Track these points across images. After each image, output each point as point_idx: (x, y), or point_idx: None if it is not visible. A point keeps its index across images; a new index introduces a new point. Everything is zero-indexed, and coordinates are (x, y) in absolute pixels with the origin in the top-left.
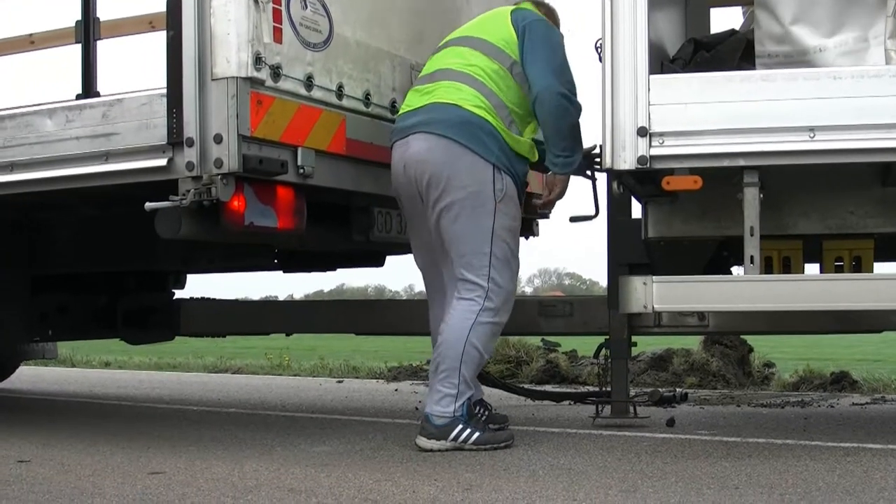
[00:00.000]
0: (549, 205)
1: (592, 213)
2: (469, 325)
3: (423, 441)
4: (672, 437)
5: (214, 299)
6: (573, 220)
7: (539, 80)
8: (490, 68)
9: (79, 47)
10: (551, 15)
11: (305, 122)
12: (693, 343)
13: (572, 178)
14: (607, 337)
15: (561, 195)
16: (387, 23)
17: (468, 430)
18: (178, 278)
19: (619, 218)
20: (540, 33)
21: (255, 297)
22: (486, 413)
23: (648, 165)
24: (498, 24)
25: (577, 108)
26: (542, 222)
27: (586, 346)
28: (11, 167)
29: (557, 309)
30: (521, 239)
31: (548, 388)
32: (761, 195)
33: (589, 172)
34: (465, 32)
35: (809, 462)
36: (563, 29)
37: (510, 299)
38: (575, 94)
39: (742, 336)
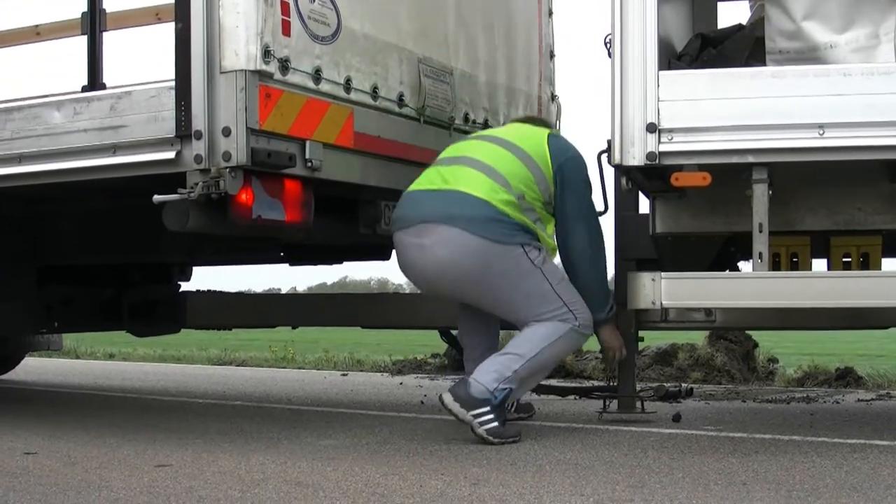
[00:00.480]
0: (617, 356)
1: (602, 209)
2: (558, 336)
3: (448, 398)
4: (678, 433)
5: (220, 292)
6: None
7: (574, 237)
8: (522, 173)
9: (85, 39)
10: None
11: (313, 115)
12: (698, 338)
13: (576, 172)
14: None
15: (616, 344)
16: (394, 16)
17: (490, 416)
18: (183, 271)
19: (626, 213)
20: (577, 173)
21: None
22: (516, 403)
23: (657, 161)
24: (536, 142)
25: (605, 258)
26: None
27: (592, 340)
28: (19, 159)
29: None
30: None
31: (553, 382)
32: (770, 191)
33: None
34: (499, 134)
35: (816, 458)
36: (571, 25)
37: (589, 333)
38: (603, 244)
39: (746, 331)
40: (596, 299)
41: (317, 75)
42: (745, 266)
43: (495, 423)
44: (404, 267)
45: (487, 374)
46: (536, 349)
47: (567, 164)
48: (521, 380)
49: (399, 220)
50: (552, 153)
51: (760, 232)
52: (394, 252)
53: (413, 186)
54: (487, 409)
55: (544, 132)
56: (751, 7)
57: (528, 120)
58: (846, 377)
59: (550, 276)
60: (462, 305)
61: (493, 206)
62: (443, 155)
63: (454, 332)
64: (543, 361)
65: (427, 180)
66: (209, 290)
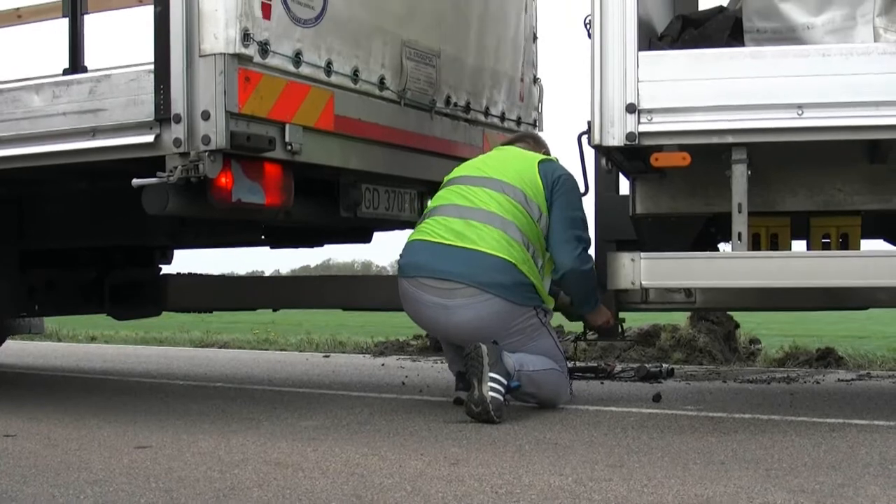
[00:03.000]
0: (608, 327)
1: (583, 189)
2: (551, 369)
3: (485, 348)
4: (658, 413)
5: (201, 274)
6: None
7: (565, 258)
8: (526, 218)
9: (66, 21)
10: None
11: (293, 98)
12: (680, 319)
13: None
14: None
15: (606, 319)
16: None
17: (501, 390)
18: (164, 253)
19: (606, 194)
20: (568, 196)
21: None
22: None
23: (637, 142)
24: (527, 171)
25: (593, 268)
26: None
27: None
28: None
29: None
30: None
31: None
32: (749, 172)
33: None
34: (496, 175)
35: (795, 437)
36: (551, 7)
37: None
38: (591, 252)
39: (728, 312)
40: (586, 303)
41: (297, 59)
42: (725, 247)
43: (500, 398)
44: (417, 319)
45: (516, 357)
46: (541, 367)
47: (556, 186)
48: (531, 379)
49: (412, 268)
50: (543, 179)
51: (740, 212)
52: (375, 235)
53: (422, 237)
54: (505, 382)
55: (534, 161)
56: None
57: (517, 140)
58: (827, 357)
59: (553, 334)
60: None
61: (517, 268)
62: (444, 200)
63: None
64: (540, 381)
65: (438, 233)
66: (189, 273)
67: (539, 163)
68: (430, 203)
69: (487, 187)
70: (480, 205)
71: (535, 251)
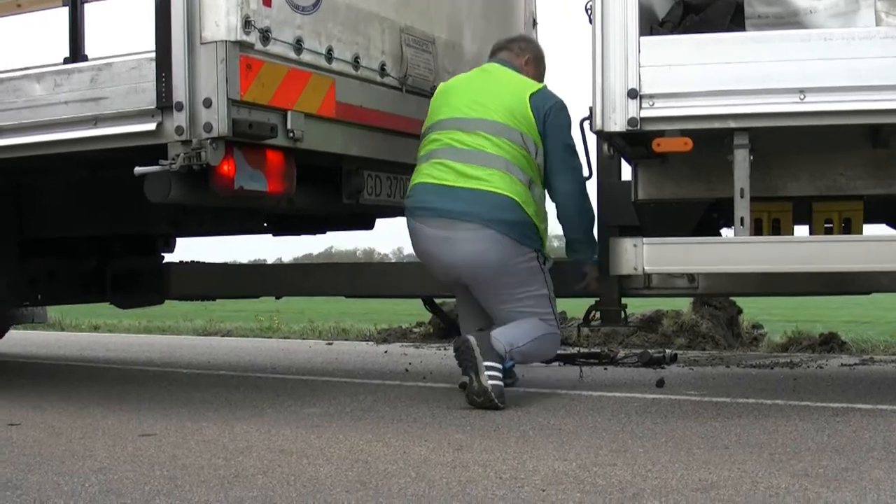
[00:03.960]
0: (590, 287)
1: (586, 174)
2: (542, 334)
3: (473, 341)
4: (662, 398)
5: (204, 262)
6: None
7: (561, 186)
8: (525, 158)
9: (66, 10)
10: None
11: (295, 85)
12: (683, 305)
13: (556, 126)
14: (597, 299)
15: (594, 280)
16: None
17: (498, 375)
18: (167, 242)
19: (608, 180)
20: (559, 126)
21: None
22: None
23: (639, 127)
24: (518, 107)
25: (590, 203)
26: None
27: (575, 307)
28: (0, 132)
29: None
30: None
31: None
32: (751, 157)
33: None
34: (490, 115)
35: (799, 422)
36: None
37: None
38: (587, 195)
39: (731, 298)
40: (581, 242)
41: (298, 45)
42: (727, 232)
43: (500, 383)
44: (422, 253)
45: (505, 336)
46: (530, 338)
47: (548, 117)
48: (525, 353)
49: (419, 209)
50: (535, 114)
51: (742, 197)
52: (378, 221)
53: (427, 179)
54: (500, 366)
55: (525, 94)
56: None
57: (502, 49)
58: (830, 342)
59: (549, 285)
60: (460, 303)
61: (520, 207)
62: (440, 144)
63: (437, 301)
64: (532, 352)
65: (443, 175)
66: (192, 261)
67: (530, 97)
68: (423, 144)
69: (482, 130)
70: (479, 148)
71: (536, 190)
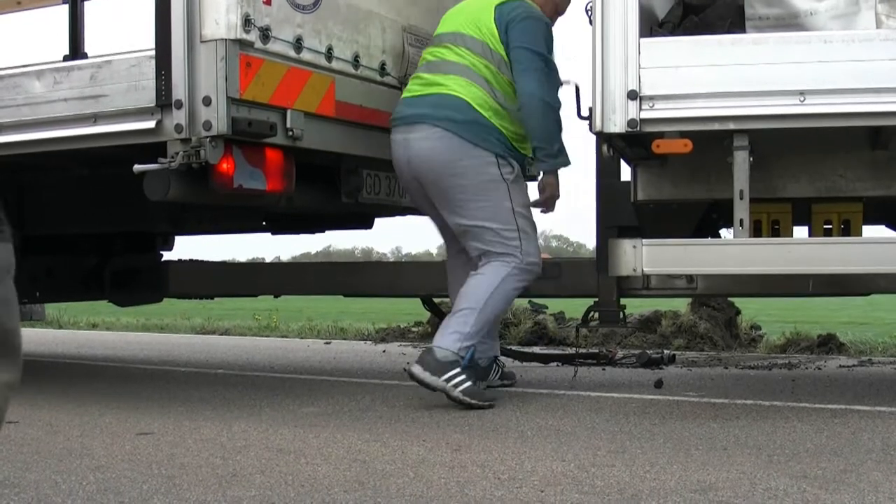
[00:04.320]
0: (547, 205)
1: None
2: (499, 280)
3: (417, 369)
4: (660, 399)
5: (202, 261)
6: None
7: (523, 86)
8: (486, 67)
9: (66, 7)
10: None
11: (294, 84)
12: (681, 305)
13: (521, 29)
14: (596, 300)
15: (555, 194)
16: None
17: (462, 377)
18: (165, 240)
19: (608, 181)
20: (521, 31)
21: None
22: (500, 370)
23: (638, 129)
24: (484, 18)
25: (559, 107)
26: (530, 185)
27: (573, 307)
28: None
29: (547, 271)
30: None
31: (535, 349)
32: (751, 158)
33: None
34: (458, 28)
35: (797, 423)
36: None
37: (536, 270)
38: (557, 94)
39: (729, 298)
40: (541, 148)
41: (298, 44)
42: (726, 233)
43: (469, 384)
44: (393, 161)
45: (448, 337)
46: (483, 299)
47: (510, 23)
48: (480, 328)
49: (393, 120)
50: (497, 24)
51: (741, 199)
52: (376, 221)
53: (404, 95)
54: (458, 370)
55: (490, 6)
56: None
57: None
58: (828, 343)
59: (514, 197)
60: (450, 265)
61: (471, 106)
62: (421, 63)
63: (436, 300)
64: (494, 307)
65: (414, 88)
66: (191, 259)
67: (495, 7)
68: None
69: (452, 43)
70: (443, 57)
71: (504, 99)
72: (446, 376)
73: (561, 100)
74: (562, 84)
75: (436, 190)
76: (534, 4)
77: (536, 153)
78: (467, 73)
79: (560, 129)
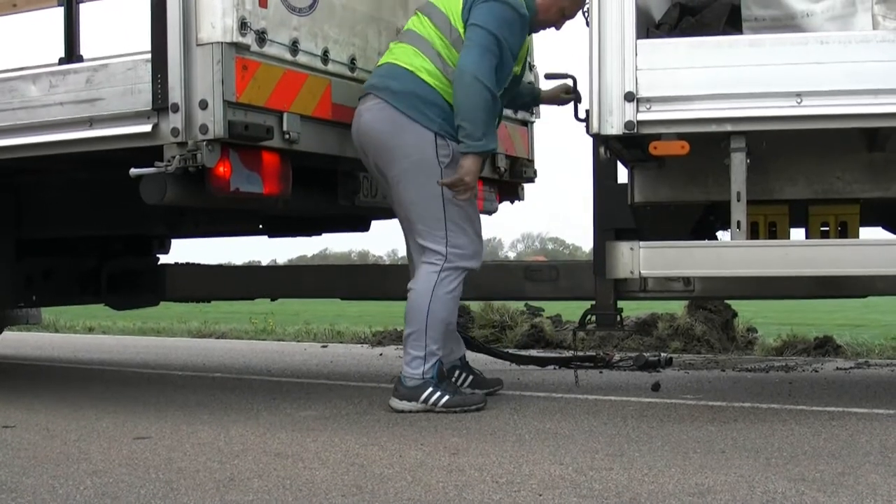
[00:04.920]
0: (454, 188)
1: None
2: (430, 290)
3: (395, 402)
4: (657, 402)
5: (199, 264)
6: (548, 77)
7: (462, 59)
8: (441, 39)
9: (61, 10)
10: None
11: (291, 87)
12: (677, 308)
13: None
14: (593, 303)
15: (466, 178)
16: None
17: (438, 393)
18: (162, 243)
19: (605, 183)
20: (480, 10)
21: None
22: (471, 377)
23: (635, 130)
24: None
25: (491, 96)
26: (527, 187)
27: (570, 310)
28: None
29: (543, 273)
30: (507, 203)
31: (532, 352)
32: (748, 160)
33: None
34: (432, 1)
35: (795, 426)
36: None
37: (475, 257)
38: (494, 77)
39: (726, 301)
40: (463, 126)
41: (294, 47)
42: (723, 235)
43: (447, 396)
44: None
45: (410, 364)
46: (424, 316)
47: (476, 3)
48: (435, 344)
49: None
50: (465, 1)
51: (738, 201)
52: (373, 223)
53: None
54: (430, 389)
55: None
56: None
57: None
58: (825, 346)
59: (448, 192)
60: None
61: (414, 75)
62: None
63: None
64: (438, 318)
65: (383, 57)
66: (188, 262)
67: None
68: None
69: (423, 12)
70: (412, 27)
71: (451, 70)
72: (422, 398)
73: (495, 85)
74: (513, 75)
75: (375, 166)
76: None
77: (459, 131)
78: (420, 43)
79: (489, 113)
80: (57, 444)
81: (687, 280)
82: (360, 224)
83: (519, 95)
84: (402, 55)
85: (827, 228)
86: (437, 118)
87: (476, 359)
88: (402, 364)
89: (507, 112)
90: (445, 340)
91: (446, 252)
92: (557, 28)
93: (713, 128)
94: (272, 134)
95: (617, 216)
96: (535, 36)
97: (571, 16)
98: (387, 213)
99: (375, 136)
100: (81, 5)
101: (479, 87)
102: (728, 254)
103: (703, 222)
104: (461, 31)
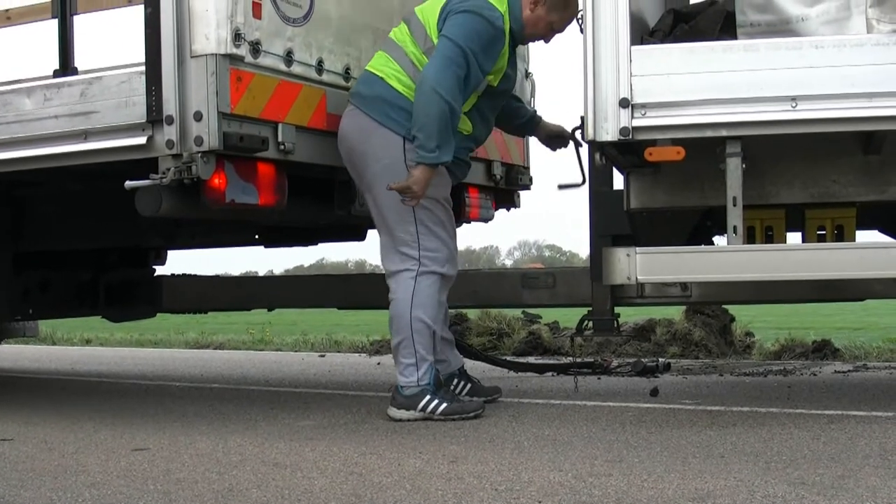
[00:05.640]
0: (403, 194)
1: (579, 180)
2: (410, 298)
3: (393, 411)
4: (656, 407)
5: (196, 275)
6: (561, 187)
7: (425, 68)
8: (414, 46)
9: (56, 22)
10: (559, 6)
11: (286, 97)
12: (675, 313)
13: (455, 23)
14: (590, 309)
15: (414, 187)
16: None
17: (436, 401)
18: (158, 254)
19: (601, 189)
20: (453, 22)
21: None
22: (469, 385)
23: (631, 137)
24: (436, 5)
25: (449, 109)
26: (523, 193)
27: (568, 317)
28: None
29: (540, 281)
30: (503, 211)
31: (530, 359)
32: (744, 165)
33: (576, 140)
34: (416, 9)
35: (794, 430)
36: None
37: (450, 260)
38: (458, 91)
39: (724, 306)
40: (418, 137)
41: (288, 57)
42: (720, 240)
43: (445, 404)
44: None
45: (404, 373)
46: (408, 323)
47: (448, 16)
48: (425, 350)
49: None
50: (441, 11)
51: (735, 205)
52: (369, 232)
53: None
54: (428, 397)
55: None
56: None
57: None
58: (823, 349)
59: (427, 208)
60: None
61: (383, 81)
62: None
63: None
64: (424, 322)
65: None
66: (184, 274)
67: None
68: None
69: (405, 20)
70: (392, 35)
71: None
72: (420, 406)
73: (457, 98)
74: (493, 91)
75: (353, 172)
76: (493, 3)
77: (414, 141)
78: (394, 50)
79: (445, 124)
80: (55, 456)
81: (684, 285)
82: (355, 233)
83: (515, 116)
84: (376, 62)
85: (824, 232)
86: (405, 122)
87: (474, 367)
88: (396, 374)
89: None
90: (441, 351)
91: (419, 256)
92: (546, 41)
93: (708, 133)
94: (267, 145)
95: (613, 222)
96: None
97: (560, 30)
98: None
99: (350, 142)
100: (76, 17)
101: (436, 99)
102: (725, 259)
103: (699, 227)
104: (436, 42)
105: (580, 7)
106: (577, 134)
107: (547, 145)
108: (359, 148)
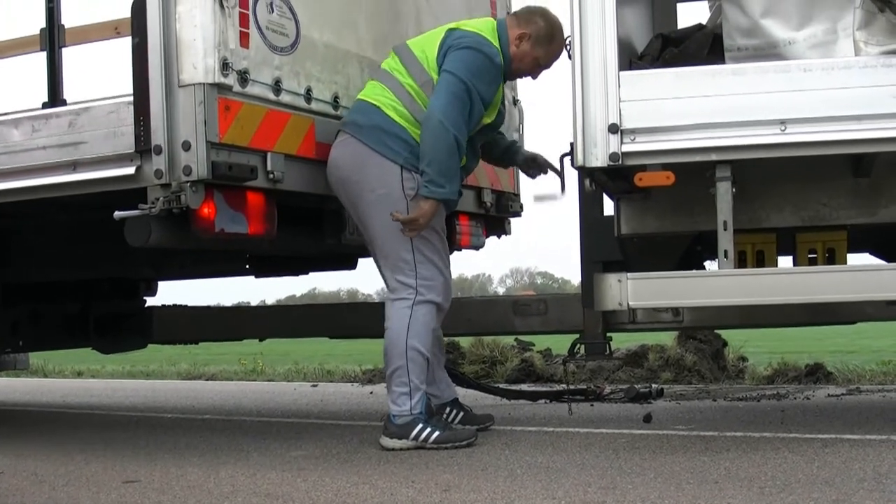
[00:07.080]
0: (406, 225)
1: (558, 193)
2: (406, 325)
3: (385, 440)
4: (649, 433)
5: (187, 305)
6: (537, 199)
7: (431, 103)
8: (409, 78)
9: (44, 55)
10: (543, 43)
11: (274, 126)
12: (668, 339)
13: (457, 57)
14: (581, 331)
15: (420, 220)
16: (354, 24)
17: (428, 429)
18: (149, 285)
19: (591, 215)
20: (454, 57)
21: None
22: (462, 414)
23: (620, 162)
24: (433, 40)
25: (457, 143)
26: (514, 221)
27: (560, 344)
28: None
29: (532, 308)
30: (494, 238)
31: (523, 387)
32: (734, 189)
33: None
34: (410, 43)
35: (788, 454)
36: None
37: (445, 290)
38: (463, 125)
39: (716, 331)
40: (427, 172)
41: (277, 86)
42: (711, 265)
43: (437, 432)
44: None
45: (396, 402)
46: (403, 352)
47: (448, 52)
48: (418, 378)
49: None
50: (440, 46)
51: (725, 230)
52: (360, 261)
53: None
54: (420, 426)
55: (445, 28)
56: (710, 7)
57: (513, 13)
58: (816, 373)
59: (424, 237)
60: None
61: (380, 111)
62: None
63: None
64: (418, 351)
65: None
66: (175, 304)
67: (447, 31)
68: None
69: (397, 52)
70: (384, 65)
71: (417, 108)
72: (412, 435)
73: (463, 132)
74: (485, 125)
75: (346, 201)
76: (490, 40)
77: (423, 175)
78: (388, 81)
79: (454, 158)
80: (45, 489)
81: (676, 311)
82: (346, 262)
83: (495, 146)
84: (370, 91)
85: (815, 256)
86: (402, 151)
87: (466, 395)
88: (388, 402)
89: None
90: (434, 382)
91: (416, 284)
92: (534, 77)
93: (698, 157)
94: (256, 174)
95: (604, 248)
96: None
97: (547, 65)
98: None
99: (343, 171)
100: (64, 50)
101: (444, 133)
102: (716, 283)
103: (690, 252)
104: (434, 77)
105: (567, 36)
106: (567, 160)
107: (526, 173)
108: (353, 177)
